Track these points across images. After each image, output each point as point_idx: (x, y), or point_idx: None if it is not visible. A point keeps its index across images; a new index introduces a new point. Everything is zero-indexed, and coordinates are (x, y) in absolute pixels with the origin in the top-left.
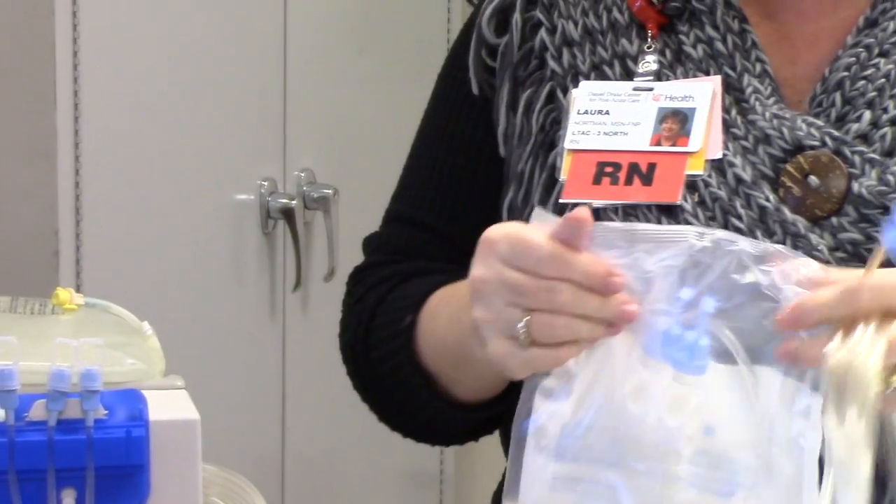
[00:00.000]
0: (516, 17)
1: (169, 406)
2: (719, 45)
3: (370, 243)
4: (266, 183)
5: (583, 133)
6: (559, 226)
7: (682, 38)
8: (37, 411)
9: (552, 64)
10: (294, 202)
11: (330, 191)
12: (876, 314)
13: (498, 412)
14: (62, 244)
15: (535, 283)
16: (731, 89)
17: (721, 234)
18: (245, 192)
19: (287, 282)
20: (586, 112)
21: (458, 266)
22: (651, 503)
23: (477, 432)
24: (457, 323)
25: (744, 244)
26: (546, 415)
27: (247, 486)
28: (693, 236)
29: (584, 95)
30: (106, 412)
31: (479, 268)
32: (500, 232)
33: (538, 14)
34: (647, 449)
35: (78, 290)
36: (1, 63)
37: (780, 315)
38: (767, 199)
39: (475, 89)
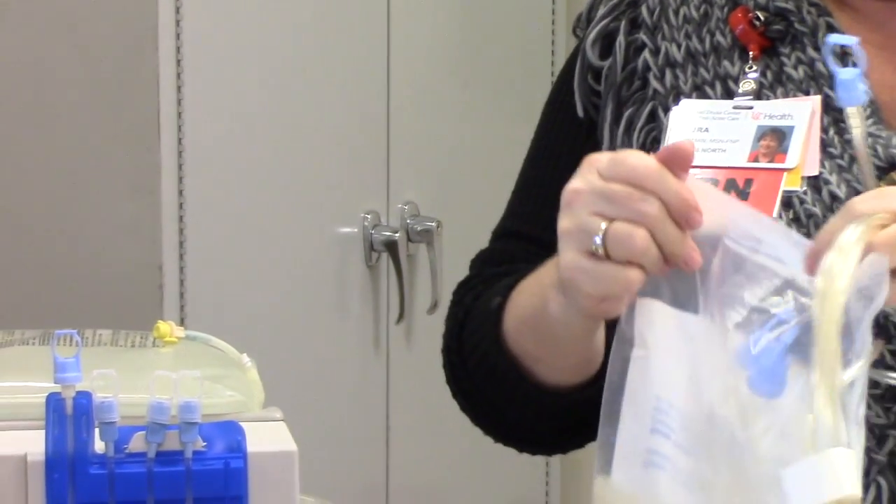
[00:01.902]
0: (620, 40)
1: (267, 438)
2: (820, 67)
3: (476, 260)
4: (370, 216)
5: None
6: (665, 149)
7: (784, 59)
8: (136, 443)
9: (655, 84)
10: (397, 235)
11: (433, 223)
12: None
13: (589, 397)
14: (166, 278)
15: (628, 190)
16: (830, 109)
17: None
18: (349, 225)
19: (391, 314)
20: (686, 129)
21: None
22: None
23: (574, 434)
24: (537, 286)
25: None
26: (641, 385)
27: None
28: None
29: (685, 113)
30: (204, 444)
31: (575, 181)
32: (602, 153)
33: (642, 36)
34: (736, 445)
35: (181, 322)
36: (105, 98)
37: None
38: None
39: (580, 111)
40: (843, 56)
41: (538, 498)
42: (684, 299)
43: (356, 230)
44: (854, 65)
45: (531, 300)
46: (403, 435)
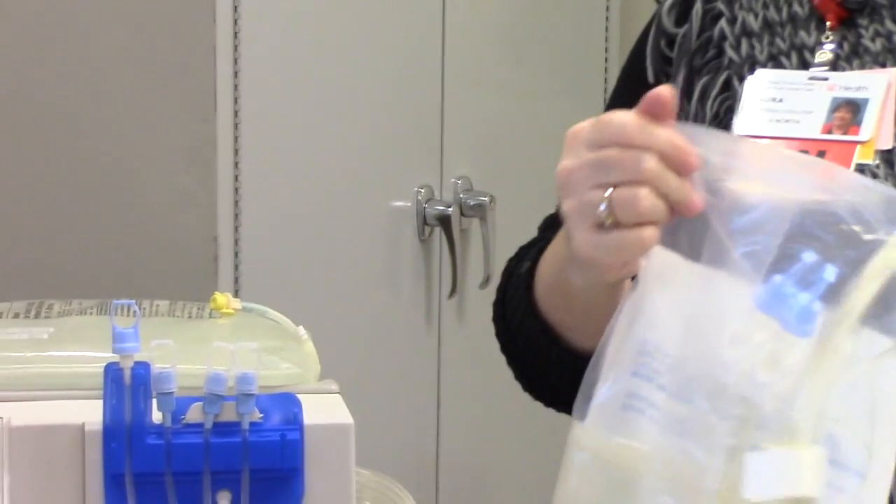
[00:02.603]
0: (697, 7)
1: (323, 410)
2: None
3: (542, 224)
4: (423, 190)
5: (755, 120)
6: (643, 101)
7: (861, 31)
8: (193, 414)
9: (730, 53)
10: (450, 209)
11: (486, 198)
12: None
13: None
14: (221, 250)
15: (620, 154)
16: None
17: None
18: (402, 200)
19: (443, 289)
20: (760, 99)
21: None
22: (719, 450)
23: None
24: (555, 258)
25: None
26: (627, 328)
27: (401, 490)
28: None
29: (760, 83)
30: (261, 416)
31: (565, 160)
32: (583, 122)
33: (719, 5)
34: (730, 395)
35: (236, 295)
36: (162, 71)
37: None
38: None
39: (651, 77)
40: None
41: None
42: (698, 244)
43: (409, 204)
44: None
45: (552, 271)
46: (454, 409)
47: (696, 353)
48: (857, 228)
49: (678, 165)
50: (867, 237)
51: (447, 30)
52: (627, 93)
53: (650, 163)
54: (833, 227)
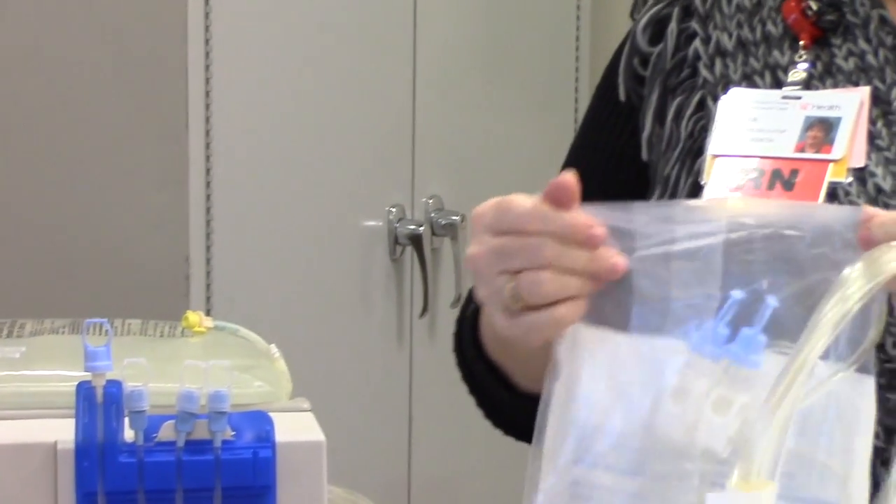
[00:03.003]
0: (672, 27)
1: (295, 428)
2: (870, 59)
3: None
4: (394, 209)
5: (728, 139)
6: (547, 188)
7: (835, 50)
8: (166, 432)
9: (704, 73)
10: (422, 229)
11: (457, 217)
12: None
13: None
14: (193, 269)
15: (519, 242)
16: (879, 102)
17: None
18: (373, 219)
19: (414, 308)
20: (733, 118)
21: None
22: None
23: None
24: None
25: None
26: (561, 416)
27: None
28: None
29: (734, 102)
30: (233, 433)
31: (472, 245)
32: (485, 204)
33: (694, 25)
34: (685, 452)
35: (207, 314)
36: (135, 91)
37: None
38: None
39: (622, 95)
40: None
41: None
42: (626, 313)
43: (381, 224)
44: None
45: (488, 329)
46: (426, 427)
47: (640, 423)
48: (790, 252)
49: (583, 242)
50: (810, 252)
51: (418, 50)
52: (600, 113)
53: (547, 249)
54: (766, 252)
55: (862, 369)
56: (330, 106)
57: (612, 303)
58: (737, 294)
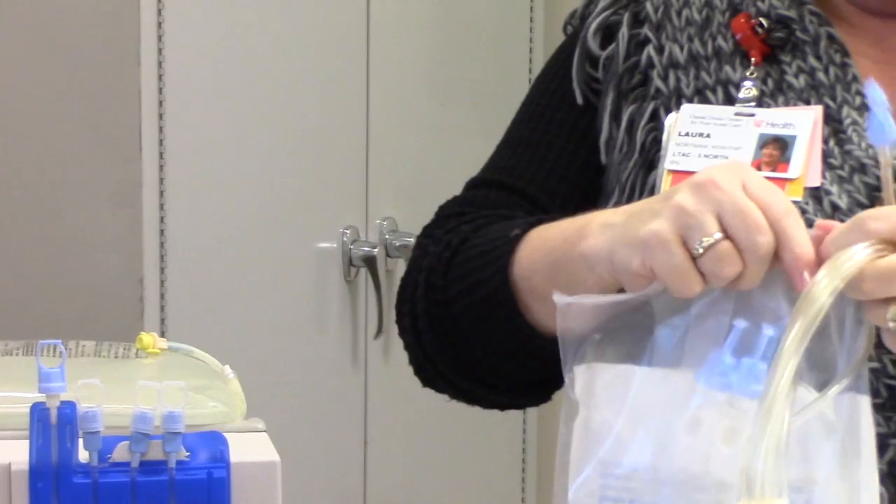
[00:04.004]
0: (623, 31)
1: (250, 448)
2: (821, 76)
3: (443, 206)
4: (348, 231)
5: (683, 155)
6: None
7: (785, 67)
8: (120, 453)
9: (658, 83)
10: (376, 250)
11: (412, 239)
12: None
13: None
14: (147, 290)
15: (758, 220)
16: (831, 120)
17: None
18: (327, 241)
19: (369, 329)
20: (687, 134)
21: None
22: None
23: (540, 388)
24: (581, 224)
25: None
26: (587, 454)
27: None
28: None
29: (686, 118)
30: (188, 454)
31: (718, 172)
32: (754, 170)
33: (646, 31)
34: (701, 484)
35: (162, 335)
36: (87, 113)
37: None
38: None
39: (579, 99)
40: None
41: None
42: (643, 347)
43: (335, 245)
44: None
45: (562, 236)
46: (381, 448)
47: (658, 455)
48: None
49: (793, 271)
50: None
51: (371, 72)
52: (550, 97)
53: (765, 248)
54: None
55: (857, 388)
56: (283, 127)
57: (631, 326)
58: (740, 323)
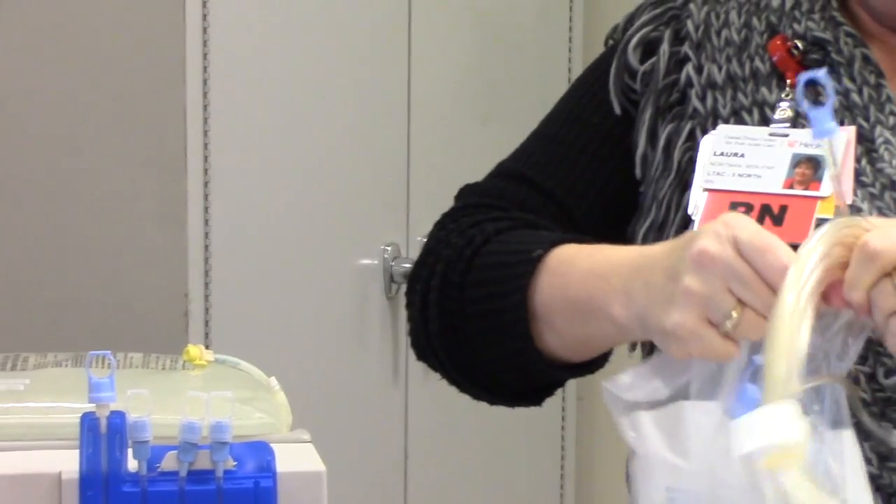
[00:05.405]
0: (664, 48)
1: (296, 458)
2: (855, 97)
3: (468, 190)
4: (390, 248)
5: (717, 174)
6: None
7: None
8: (168, 462)
9: (696, 104)
10: None
11: None
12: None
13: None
14: (192, 305)
15: (764, 287)
16: (864, 140)
17: None
18: (369, 258)
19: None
20: (722, 154)
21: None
22: None
23: (542, 393)
24: (601, 280)
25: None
26: (645, 487)
27: None
28: None
29: (721, 138)
30: (235, 463)
31: (712, 243)
32: (744, 220)
33: (686, 49)
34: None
35: (206, 349)
36: (133, 129)
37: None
38: None
39: (617, 109)
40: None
41: None
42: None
43: (377, 262)
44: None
45: (585, 288)
46: (421, 460)
47: (711, 484)
48: None
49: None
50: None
51: (412, 91)
52: (588, 100)
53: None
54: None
55: (838, 425)
56: (327, 146)
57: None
58: (759, 359)
